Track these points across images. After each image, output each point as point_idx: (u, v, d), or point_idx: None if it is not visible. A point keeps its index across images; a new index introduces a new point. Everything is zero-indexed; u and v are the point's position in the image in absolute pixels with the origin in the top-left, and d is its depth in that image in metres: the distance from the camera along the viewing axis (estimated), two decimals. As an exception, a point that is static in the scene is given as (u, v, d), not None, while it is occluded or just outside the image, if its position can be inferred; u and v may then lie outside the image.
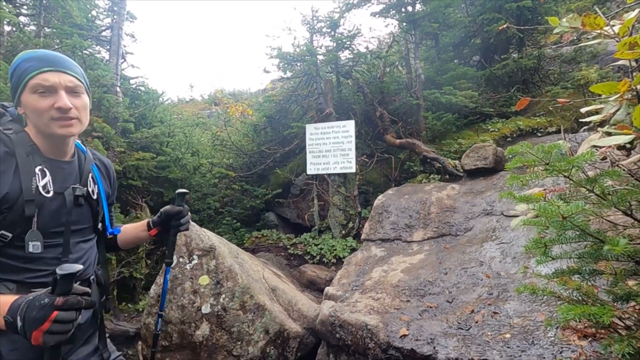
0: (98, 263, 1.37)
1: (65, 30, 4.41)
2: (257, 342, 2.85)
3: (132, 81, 5.49)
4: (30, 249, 1.11)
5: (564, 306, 0.87)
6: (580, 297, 0.96)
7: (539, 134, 5.16)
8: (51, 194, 1.16)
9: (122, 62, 4.88)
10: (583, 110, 1.32)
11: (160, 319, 1.58)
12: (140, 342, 3.35)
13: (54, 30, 4.89)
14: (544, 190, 1.28)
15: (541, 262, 1.10)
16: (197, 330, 2.89)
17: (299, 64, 6.09)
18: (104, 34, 5.02)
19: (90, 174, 1.31)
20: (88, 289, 0.94)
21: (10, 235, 1.08)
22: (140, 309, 3.96)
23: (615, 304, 1.00)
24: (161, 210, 1.46)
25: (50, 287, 0.89)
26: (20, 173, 1.10)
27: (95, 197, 1.31)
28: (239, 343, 2.85)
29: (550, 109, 5.13)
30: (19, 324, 0.88)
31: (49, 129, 1.14)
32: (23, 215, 1.09)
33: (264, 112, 6.88)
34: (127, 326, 3.49)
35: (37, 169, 1.14)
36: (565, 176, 1.04)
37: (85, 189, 1.26)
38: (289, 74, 6.39)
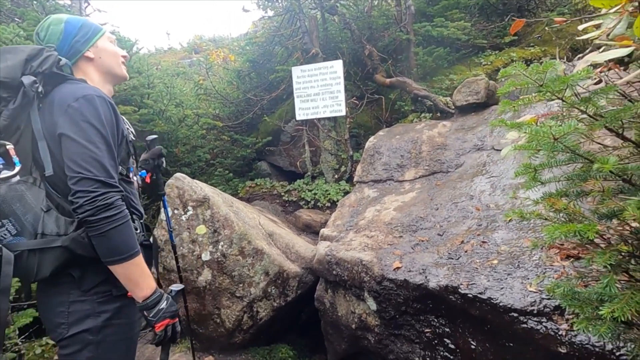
0: None
1: (16, -28, 3.96)
2: (259, 283, 2.99)
3: (101, 29, 5.07)
4: (136, 182, 1.37)
5: (550, 226, 0.89)
6: (567, 218, 0.98)
7: (533, 65, 5.00)
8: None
9: (86, 7, 4.47)
10: (580, 27, 1.24)
11: (172, 233, 2.13)
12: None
13: (5, -28, 4.38)
14: (536, 116, 1.25)
15: (530, 187, 1.10)
16: (200, 277, 3.00)
17: (280, 0, 5.64)
18: (61, -26, 4.51)
19: None
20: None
21: (125, 170, 1.26)
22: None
23: (600, 222, 1.03)
24: (145, 157, 1.66)
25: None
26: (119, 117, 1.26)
27: None
28: (241, 285, 2.98)
29: (547, 29, 4.90)
30: (164, 303, 1.13)
31: (120, 70, 1.40)
32: (128, 153, 1.30)
33: (247, 56, 6.51)
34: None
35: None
36: (559, 98, 1.00)
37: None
38: (270, 13, 5.94)
